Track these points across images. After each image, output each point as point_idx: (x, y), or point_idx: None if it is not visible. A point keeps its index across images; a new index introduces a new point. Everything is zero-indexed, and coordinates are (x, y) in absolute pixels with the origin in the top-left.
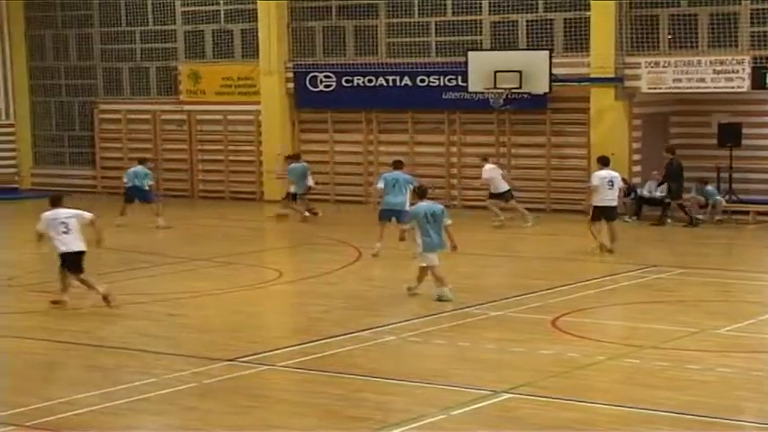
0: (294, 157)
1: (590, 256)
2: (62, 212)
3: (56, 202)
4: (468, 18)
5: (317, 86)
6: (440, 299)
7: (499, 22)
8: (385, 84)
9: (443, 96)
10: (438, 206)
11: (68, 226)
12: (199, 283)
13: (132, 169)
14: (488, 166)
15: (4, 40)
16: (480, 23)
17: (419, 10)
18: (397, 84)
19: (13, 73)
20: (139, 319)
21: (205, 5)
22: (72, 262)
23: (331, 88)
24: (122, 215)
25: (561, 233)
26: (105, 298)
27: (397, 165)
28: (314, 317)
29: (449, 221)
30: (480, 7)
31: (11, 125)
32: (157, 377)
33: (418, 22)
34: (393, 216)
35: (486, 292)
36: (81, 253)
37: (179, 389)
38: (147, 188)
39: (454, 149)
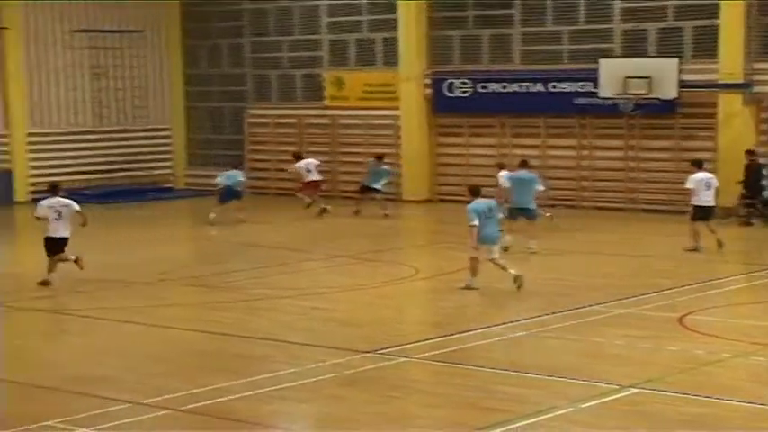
0: (378, 158)
1: (716, 256)
2: (58, 201)
3: (54, 190)
4: (600, 26)
5: (453, 92)
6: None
7: (630, 31)
8: (518, 90)
9: (574, 102)
10: (493, 201)
11: (61, 214)
12: (341, 278)
13: (227, 173)
14: (503, 173)
15: (162, 50)
16: (612, 31)
17: (552, 19)
18: (530, 90)
19: (171, 80)
20: (285, 312)
21: (349, 16)
22: (54, 246)
23: (467, 94)
24: (214, 213)
25: (685, 234)
26: (77, 261)
27: (523, 164)
28: (449, 312)
29: (501, 215)
30: (611, 16)
31: (167, 129)
32: (302, 367)
33: (551, 30)
34: (522, 214)
35: (612, 290)
36: (65, 239)
37: (322, 378)
38: (239, 189)
39: (585, 153)
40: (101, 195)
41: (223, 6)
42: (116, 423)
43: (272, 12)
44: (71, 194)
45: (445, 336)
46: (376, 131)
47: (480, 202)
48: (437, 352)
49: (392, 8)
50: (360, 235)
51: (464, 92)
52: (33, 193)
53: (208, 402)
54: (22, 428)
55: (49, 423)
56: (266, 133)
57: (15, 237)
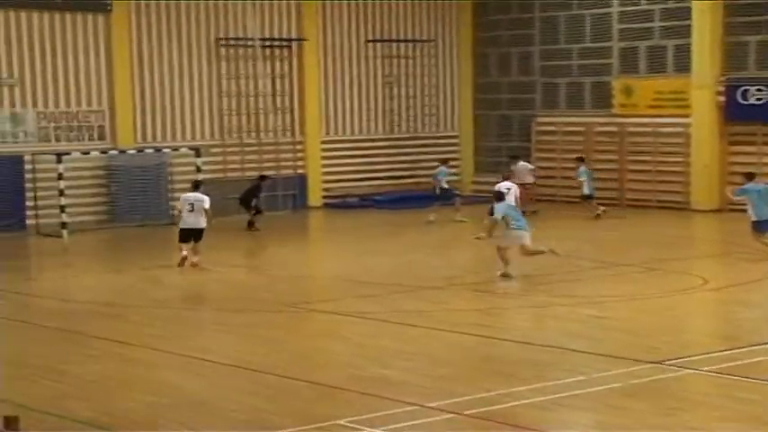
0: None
1: None
2: (194, 196)
3: (196, 186)
4: None
5: (747, 100)
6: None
7: None
8: None
9: None
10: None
11: (194, 207)
12: (624, 286)
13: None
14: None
15: (452, 58)
16: None
17: None
18: None
19: (460, 88)
20: (567, 319)
21: (640, 23)
22: (186, 235)
23: (762, 101)
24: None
25: None
26: (194, 264)
27: (749, 176)
28: (740, 324)
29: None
30: None
31: (456, 136)
32: (585, 375)
33: None
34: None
35: None
36: (196, 230)
37: (606, 387)
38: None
39: None
40: (390, 201)
41: (514, 15)
42: (403, 425)
43: (563, 20)
44: (363, 199)
45: (735, 349)
46: (665, 140)
47: (502, 205)
48: (725, 365)
49: (686, 14)
50: (647, 244)
51: (759, 99)
52: (326, 198)
53: (491, 408)
54: (314, 426)
55: (339, 422)
56: (553, 141)
57: (308, 240)
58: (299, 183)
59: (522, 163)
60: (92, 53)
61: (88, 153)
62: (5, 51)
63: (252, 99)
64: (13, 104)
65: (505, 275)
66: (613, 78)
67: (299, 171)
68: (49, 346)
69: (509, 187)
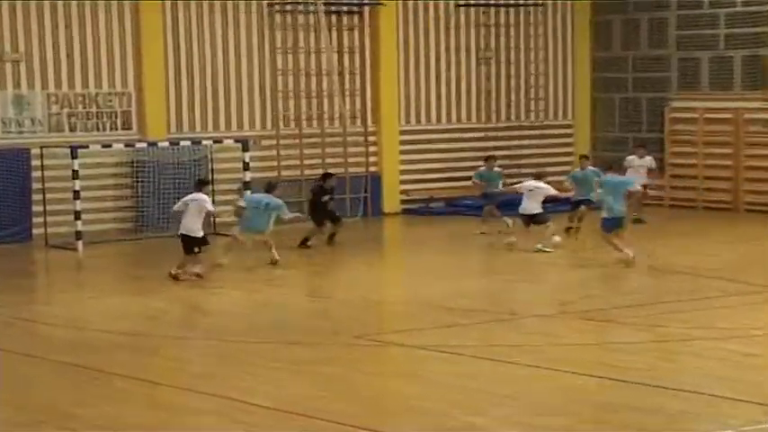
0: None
1: None
2: (190, 196)
3: (200, 184)
4: None
5: None
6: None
7: None
8: None
9: None
10: None
11: (188, 207)
12: None
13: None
14: None
15: (566, 28)
16: None
17: None
18: None
19: (574, 65)
20: (708, 357)
21: None
22: (184, 243)
23: None
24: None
25: None
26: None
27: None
28: None
29: None
30: None
31: (568, 125)
32: (733, 429)
33: None
34: None
35: None
36: (191, 238)
37: None
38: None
39: None
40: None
41: None
42: None
43: None
44: (450, 204)
45: None
46: None
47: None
48: None
49: None
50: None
51: None
52: (405, 202)
53: None
54: None
55: None
56: (692, 131)
57: (381, 256)
58: (372, 184)
59: (647, 158)
60: (115, 22)
61: (110, 146)
62: (9, 20)
63: (313, 79)
64: (17, 85)
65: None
66: None
67: (372, 169)
68: (58, 386)
69: (533, 188)
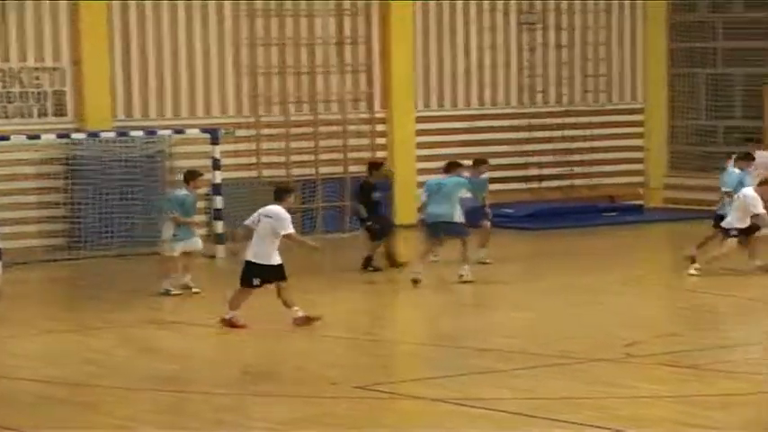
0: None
1: None
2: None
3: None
4: None
5: None
6: None
7: None
8: None
9: None
10: None
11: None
12: None
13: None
14: None
15: None
16: None
17: None
18: None
19: (645, 33)
20: None
21: None
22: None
23: None
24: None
25: None
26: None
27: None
28: None
29: None
30: None
31: (639, 111)
32: None
33: None
34: None
35: None
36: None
37: None
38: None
39: None
40: (530, 216)
41: None
42: None
43: None
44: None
45: None
46: None
47: None
48: None
49: None
50: None
51: None
52: None
53: None
54: None
55: None
56: None
57: (394, 280)
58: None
59: (759, 152)
60: None
61: (37, 137)
62: None
63: (304, 51)
64: None
65: None
66: None
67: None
68: None
69: None
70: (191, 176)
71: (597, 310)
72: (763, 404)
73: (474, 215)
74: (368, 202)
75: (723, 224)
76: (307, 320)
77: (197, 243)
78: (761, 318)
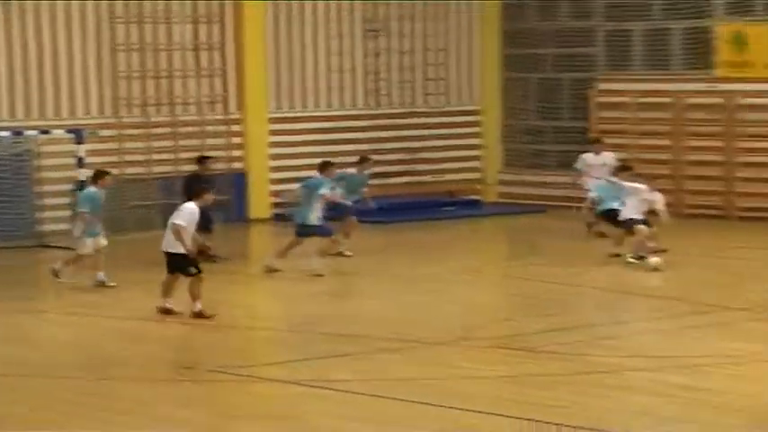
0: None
1: None
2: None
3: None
4: None
5: None
6: None
7: None
8: None
9: None
10: None
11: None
12: (734, 343)
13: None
14: None
15: None
16: None
17: None
18: None
19: (480, 41)
20: (644, 392)
21: None
22: (167, 263)
23: None
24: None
25: None
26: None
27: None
28: None
29: None
30: None
31: (475, 112)
32: None
33: None
34: None
35: None
36: (171, 255)
37: None
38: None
39: None
40: (380, 210)
41: None
42: None
43: None
44: (333, 208)
45: None
46: None
47: None
48: None
49: None
50: None
51: None
52: (277, 205)
53: None
54: None
55: None
56: (623, 118)
57: (248, 273)
58: (236, 183)
59: (606, 154)
60: None
61: None
62: None
63: (162, 55)
64: None
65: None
66: (717, 22)
67: (235, 165)
68: None
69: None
70: (99, 176)
71: (438, 297)
72: (586, 382)
73: (341, 210)
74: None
75: (621, 219)
76: (200, 316)
77: (103, 240)
78: (590, 304)
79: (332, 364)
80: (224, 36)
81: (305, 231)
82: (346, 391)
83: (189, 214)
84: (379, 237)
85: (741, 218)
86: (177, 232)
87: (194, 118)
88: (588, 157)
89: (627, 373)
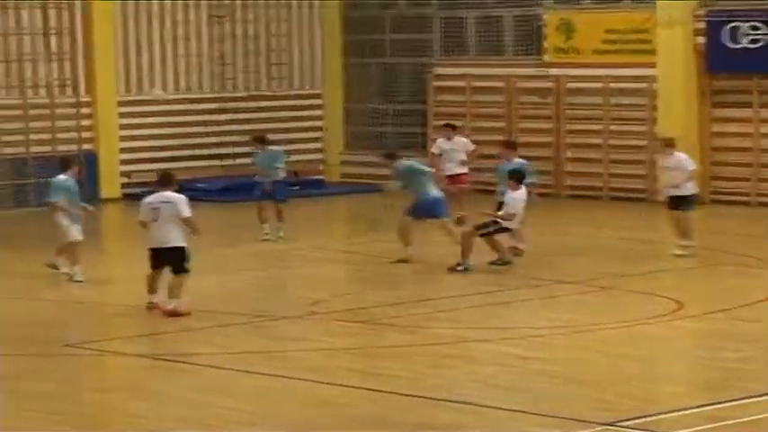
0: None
1: None
2: (156, 197)
3: (163, 181)
4: None
5: (738, 42)
6: None
7: None
8: None
9: None
10: None
11: (159, 214)
12: (565, 314)
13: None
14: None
15: None
16: None
17: None
18: None
19: (322, 27)
20: (483, 362)
21: None
22: (157, 259)
23: (759, 44)
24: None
25: None
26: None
27: None
28: (727, 367)
29: None
30: None
31: (316, 95)
32: None
33: None
34: None
35: None
36: (168, 249)
37: None
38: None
39: None
40: (220, 190)
41: None
42: None
43: None
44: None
45: (721, 402)
46: (620, 99)
47: None
48: (708, 426)
49: None
50: (597, 251)
51: (755, 41)
52: (127, 186)
53: None
54: None
55: None
56: (460, 102)
57: (98, 251)
58: (86, 164)
59: (458, 138)
60: None
61: None
62: None
63: (12, 39)
64: None
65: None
66: (545, 10)
67: (86, 147)
68: None
69: None
70: (69, 163)
71: (285, 273)
72: (428, 354)
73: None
74: None
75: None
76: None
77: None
78: (428, 278)
79: (183, 338)
80: (73, 21)
81: None
82: (197, 364)
83: (186, 202)
84: (225, 215)
85: (569, 196)
86: (192, 223)
87: (45, 101)
88: (441, 142)
89: (463, 345)
